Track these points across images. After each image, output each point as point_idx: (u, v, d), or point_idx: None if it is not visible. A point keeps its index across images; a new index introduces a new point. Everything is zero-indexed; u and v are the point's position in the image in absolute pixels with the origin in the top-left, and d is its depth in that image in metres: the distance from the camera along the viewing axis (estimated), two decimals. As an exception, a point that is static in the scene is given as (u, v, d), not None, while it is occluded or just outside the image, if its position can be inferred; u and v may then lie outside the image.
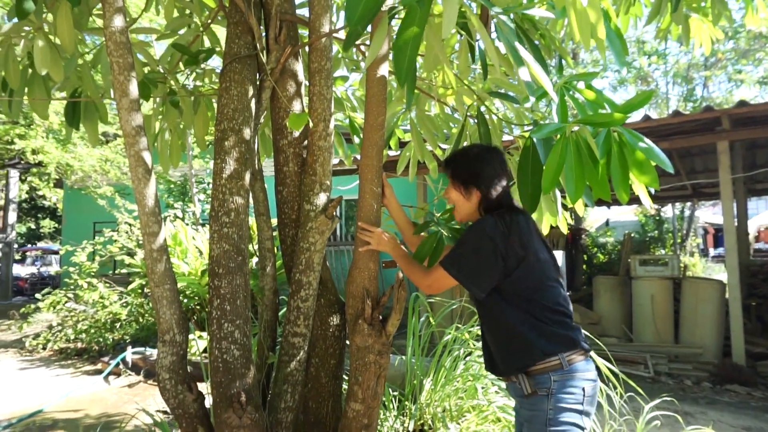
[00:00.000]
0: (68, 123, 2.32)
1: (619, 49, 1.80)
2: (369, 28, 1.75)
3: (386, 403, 2.97)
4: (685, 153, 7.54)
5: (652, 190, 1.73)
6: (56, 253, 18.13)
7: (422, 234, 1.98)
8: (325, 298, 2.04)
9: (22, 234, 24.48)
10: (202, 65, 2.56)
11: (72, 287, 7.54)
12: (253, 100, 1.99)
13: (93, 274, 7.53)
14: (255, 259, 5.22)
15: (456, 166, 1.78)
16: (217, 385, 1.75)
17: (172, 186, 9.91)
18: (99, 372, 6.17)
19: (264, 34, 2.09)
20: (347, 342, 1.96)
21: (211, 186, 1.92)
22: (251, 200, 2.11)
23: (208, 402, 1.89)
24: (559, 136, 1.57)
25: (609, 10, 1.85)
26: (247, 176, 1.92)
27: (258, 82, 2.07)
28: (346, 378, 2.08)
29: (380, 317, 1.84)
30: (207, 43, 2.60)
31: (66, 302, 7.59)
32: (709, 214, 23.16)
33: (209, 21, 2.44)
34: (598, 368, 1.66)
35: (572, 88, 1.75)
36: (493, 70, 2.20)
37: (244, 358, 1.78)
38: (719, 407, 4.52)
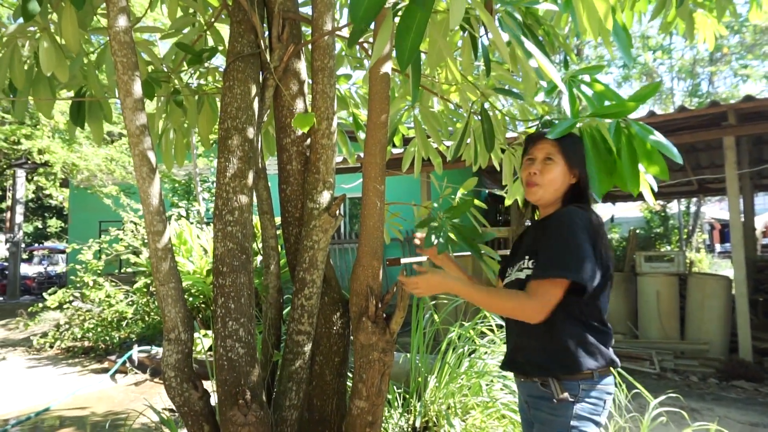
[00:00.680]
0: (73, 122, 2.33)
1: (626, 43, 1.79)
2: (372, 26, 1.75)
3: (391, 401, 2.97)
4: (690, 148, 7.49)
5: (656, 188, 1.74)
6: (63, 252, 18.25)
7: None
8: (329, 296, 2.05)
9: (29, 233, 24.66)
10: (206, 64, 2.56)
11: (78, 285, 7.59)
12: (257, 99, 1.99)
13: (99, 272, 7.58)
14: (259, 258, 5.23)
15: (569, 142, 1.62)
16: (222, 383, 1.75)
17: (176, 185, 9.95)
18: (106, 370, 6.21)
19: (267, 32, 2.09)
20: (351, 339, 1.96)
21: (215, 185, 1.92)
22: (255, 199, 2.11)
23: (214, 400, 1.90)
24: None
25: (615, 4, 1.84)
26: (251, 175, 1.92)
27: (261, 81, 2.07)
28: (351, 375, 2.09)
29: (384, 315, 1.85)
30: (211, 42, 2.61)
31: (72, 301, 7.64)
32: (716, 209, 23.03)
33: (213, 20, 2.44)
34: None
35: (580, 81, 1.75)
36: (497, 67, 2.20)
37: (249, 356, 1.79)
38: (726, 403, 4.50)
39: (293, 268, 2.00)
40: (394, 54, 1.46)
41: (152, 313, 7.23)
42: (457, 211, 1.97)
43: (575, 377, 1.50)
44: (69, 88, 2.38)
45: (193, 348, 1.86)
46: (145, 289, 7.17)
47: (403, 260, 4.64)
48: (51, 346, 7.51)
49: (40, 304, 7.72)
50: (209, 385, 2.65)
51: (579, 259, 1.44)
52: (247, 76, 1.95)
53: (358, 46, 2.76)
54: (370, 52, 2.55)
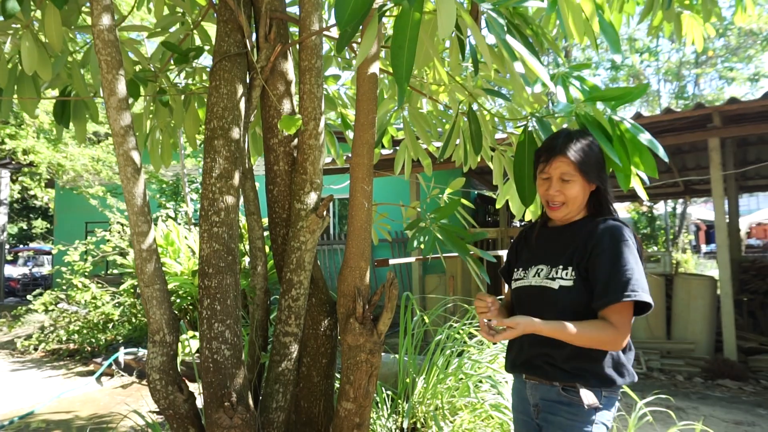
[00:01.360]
0: (57, 122, 2.30)
1: (614, 38, 1.80)
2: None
3: (378, 402, 2.96)
4: (676, 150, 7.57)
5: (647, 182, 1.76)
6: (48, 253, 18.02)
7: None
8: (317, 297, 2.04)
9: (14, 234, 24.35)
10: (193, 63, 2.54)
11: (64, 287, 7.50)
12: (243, 99, 1.98)
13: (86, 274, 7.49)
14: (246, 259, 5.19)
15: (583, 158, 1.55)
16: (207, 385, 1.74)
17: (164, 186, 9.85)
18: (91, 373, 6.13)
19: (254, 32, 2.08)
20: (339, 341, 1.95)
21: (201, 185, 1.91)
22: (242, 199, 2.10)
23: (200, 402, 1.88)
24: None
25: (602, 4, 1.86)
26: (237, 175, 1.90)
27: (248, 81, 2.05)
28: (338, 377, 2.08)
29: (372, 316, 1.84)
30: (198, 41, 2.59)
31: (58, 303, 7.55)
32: (702, 210, 23.30)
33: (200, 19, 2.42)
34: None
35: (571, 77, 1.77)
36: (485, 67, 2.21)
37: (235, 358, 1.77)
38: (711, 402, 4.55)
39: (280, 269, 1.99)
40: (382, 54, 1.46)
41: (139, 315, 7.15)
42: (443, 211, 1.97)
43: (601, 387, 1.53)
44: (54, 86, 2.35)
45: (180, 350, 1.84)
46: (131, 291, 7.10)
47: (392, 261, 4.64)
48: (35, 349, 7.40)
49: (24, 307, 7.61)
50: (196, 388, 2.62)
51: (643, 278, 1.46)
52: (234, 75, 1.93)
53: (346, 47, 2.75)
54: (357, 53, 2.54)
